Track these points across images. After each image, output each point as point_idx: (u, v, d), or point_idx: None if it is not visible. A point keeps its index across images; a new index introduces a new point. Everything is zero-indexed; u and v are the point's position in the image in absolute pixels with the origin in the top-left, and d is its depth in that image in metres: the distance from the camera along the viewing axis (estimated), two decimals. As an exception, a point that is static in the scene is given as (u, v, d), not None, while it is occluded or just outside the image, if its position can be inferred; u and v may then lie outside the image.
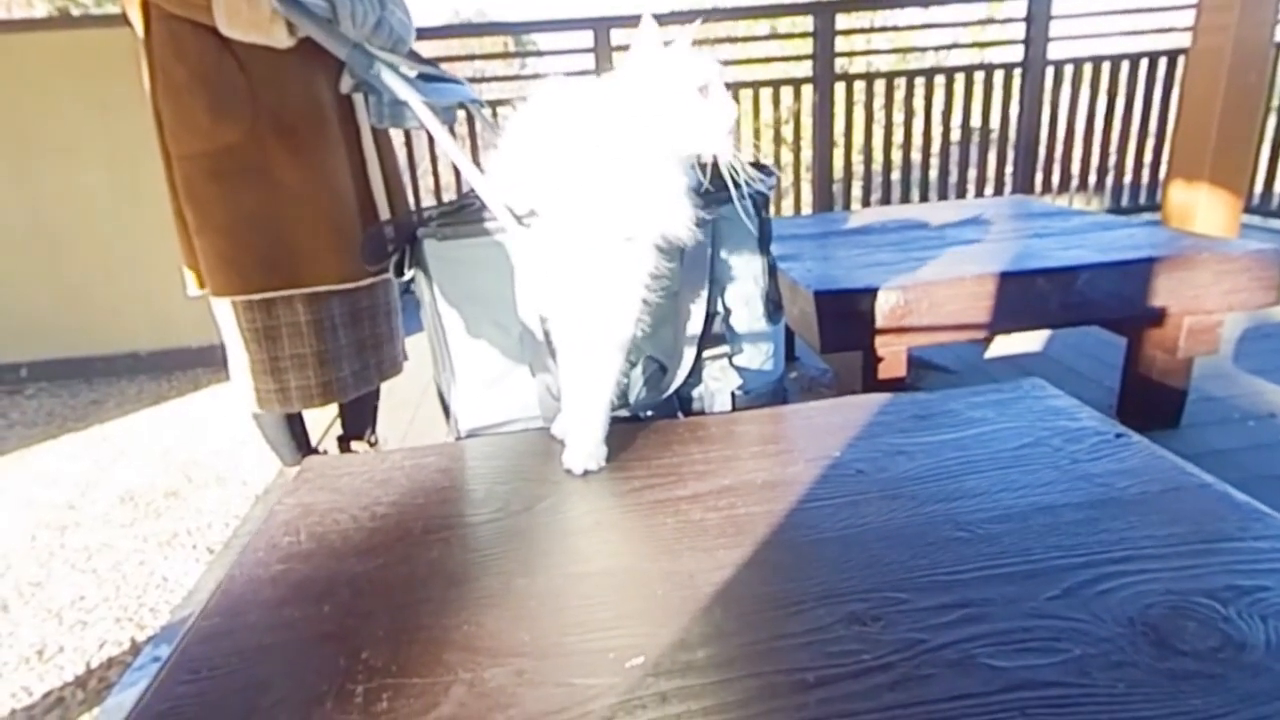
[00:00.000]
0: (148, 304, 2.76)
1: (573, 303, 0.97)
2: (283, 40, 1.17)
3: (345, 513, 0.89)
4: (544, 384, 1.10)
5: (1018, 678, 0.58)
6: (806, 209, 4.07)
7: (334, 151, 1.32)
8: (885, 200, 4.06)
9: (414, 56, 1.28)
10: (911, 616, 0.65)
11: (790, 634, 0.64)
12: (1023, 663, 0.59)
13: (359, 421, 1.67)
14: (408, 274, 1.09)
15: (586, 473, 0.94)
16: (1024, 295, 1.70)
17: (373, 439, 1.69)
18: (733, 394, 1.13)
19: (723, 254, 1.09)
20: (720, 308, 1.11)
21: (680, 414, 1.12)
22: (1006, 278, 1.68)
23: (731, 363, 1.12)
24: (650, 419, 1.11)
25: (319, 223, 1.31)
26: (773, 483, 0.88)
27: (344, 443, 1.68)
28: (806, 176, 4.04)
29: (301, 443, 1.59)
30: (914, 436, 0.98)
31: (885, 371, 1.69)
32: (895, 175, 4.03)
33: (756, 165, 1.29)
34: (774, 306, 1.17)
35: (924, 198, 4.09)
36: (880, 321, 1.65)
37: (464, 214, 1.05)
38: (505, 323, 1.09)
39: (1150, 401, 1.92)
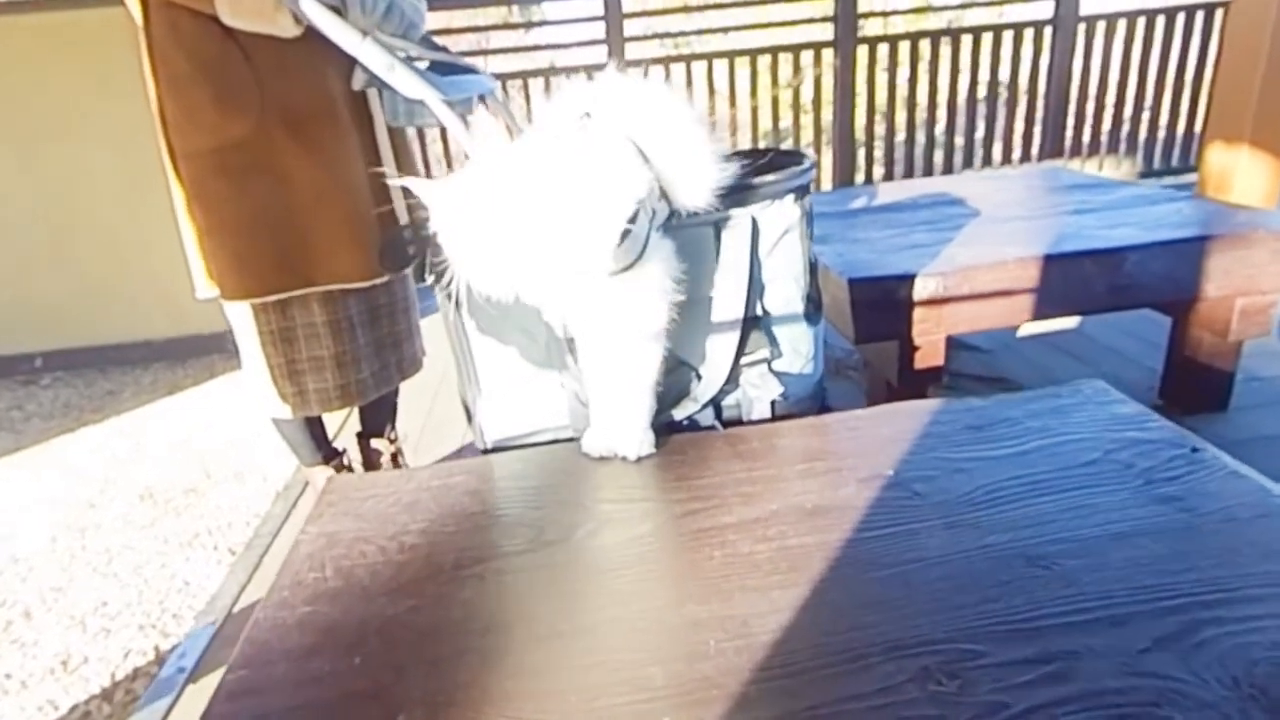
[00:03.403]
0: (160, 290, 2.72)
1: (590, 318, 0.92)
2: (289, 29, 1.10)
3: (372, 543, 0.84)
4: (573, 392, 1.04)
5: (1118, 754, 0.53)
6: (826, 177, 3.96)
7: (347, 145, 1.25)
8: (909, 169, 3.94)
9: (427, 43, 1.21)
10: (990, 674, 0.60)
11: (860, 694, 0.59)
12: (1122, 734, 0.54)
13: (378, 418, 1.62)
14: (429, 279, 1.03)
15: (641, 459, 0.94)
16: (1069, 279, 1.62)
17: (393, 435, 1.64)
18: (772, 402, 1.07)
19: (761, 253, 1.03)
20: (759, 311, 1.04)
21: (717, 423, 1.07)
22: (1051, 261, 1.60)
23: (771, 369, 1.06)
24: (686, 428, 1.06)
25: (333, 220, 1.25)
26: (824, 508, 0.82)
27: (363, 440, 1.64)
28: (827, 148, 3.92)
29: (320, 442, 1.55)
30: (970, 450, 0.92)
31: (922, 360, 1.63)
32: (920, 137, 3.90)
33: (789, 154, 1.22)
34: (814, 306, 1.11)
35: (949, 165, 3.97)
36: (918, 310, 1.57)
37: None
38: (531, 329, 1.03)
39: (1196, 384, 1.84)
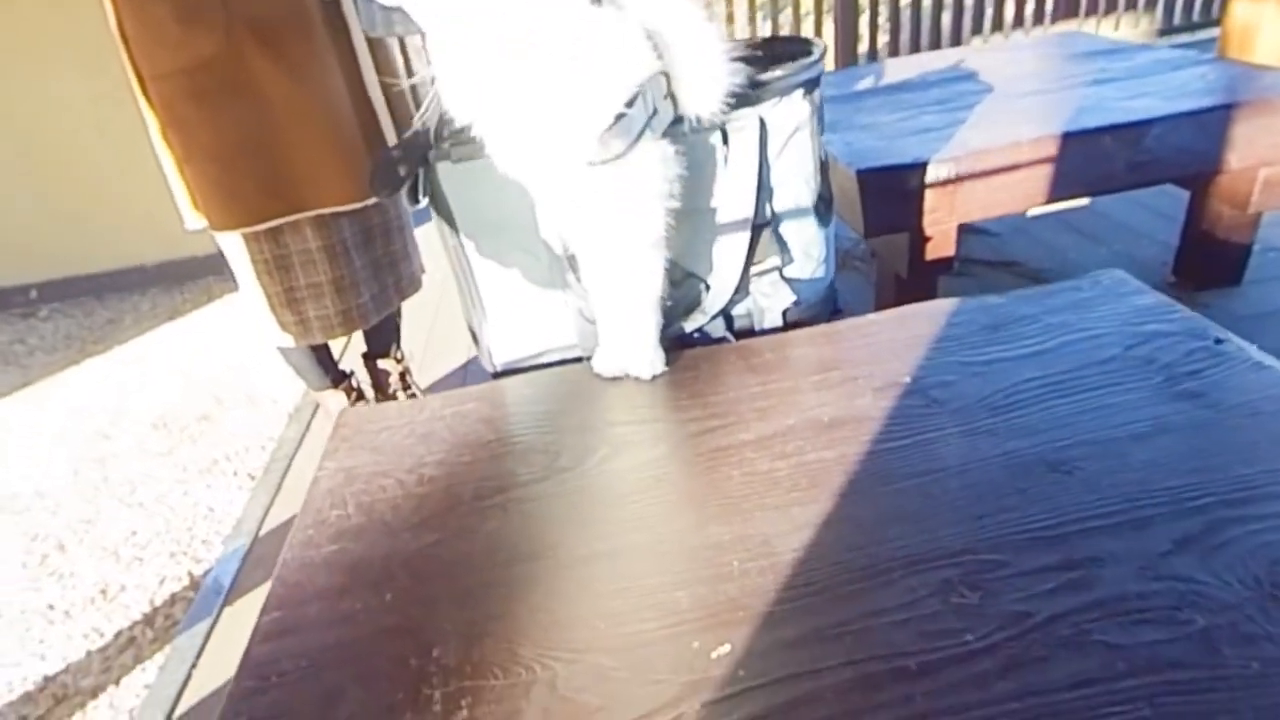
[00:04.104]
0: (147, 214, 2.64)
1: (584, 222, 0.88)
2: None
3: (390, 476, 0.84)
4: (577, 309, 1.02)
5: (1140, 658, 0.54)
6: (828, 50, 3.75)
7: (324, 60, 1.17)
8: (914, 35, 3.73)
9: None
10: (1012, 584, 0.61)
11: (883, 610, 0.60)
12: (1143, 638, 0.55)
13: (383, 339, 1.61)
14: (422, 201, 0.99)
15: (654, 377, 0.93)
16: (1087, 157, 1.55)
17: (399, 354, 1.63)
18: (784, 310, 1.05)
19: (770, 155, 0.97)
20: (768, 215, 1.00)
21: (729, 334, 1.05)
22: (1068, 138, 1.53)
23: (782, 275, 1.03)
24: (697, 341, 1.04)
25: (317, 140, 1.19)
26: (840, 419, 0.82)
27: (369, 361, 1.63)
28: (827, 16, 3.70)
29: (327, 366, 1.54)
30: (987, 351, 0.90)
31: (933, 251, 1.59)
32: (926, 2, 3.68)
33: (793, 41, 1.14)
34: (826, 206, 1.06)
35: (957, 29, 3.75)
36: (929, 199, 1.52)
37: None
38: (533, 248, 0.99)
39: (1212, 258, 1.81)
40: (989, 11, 3.77)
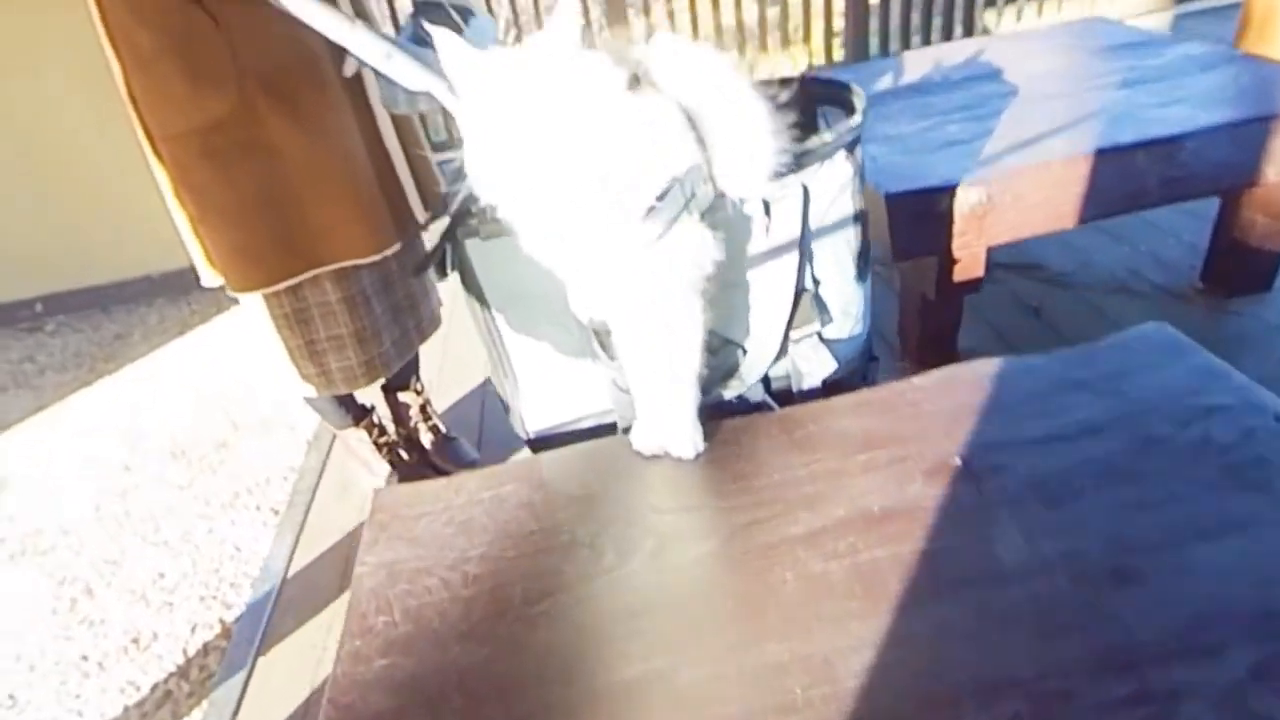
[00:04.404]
0: (150, 223, 2.55)
1: (618, 305, 0.85)
2: None
3: (434, 575, 0.83)
4: (610, 379, 0.99)
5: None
6: (838, 21, 3.65)
7: (339, 110, 1.12)
8: (927, 15, 3.62)
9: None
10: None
11: (955, 751, 0.59)
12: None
13: (402, 371, 1.58)
14: (450, 275, 0.96)
15: (697, 455, 0.90)
16: (1120, 174, 1.50)
17: (418, 386, 1.61)
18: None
19: (811, 220, 0.94)
20: (810, 281, 0.97)
21: (768, 397, 1.02)
22: (1101, 156, 1.48)
23: (821, 338, 1.00)
24: (735, 405, 1.02)
25: (334, 193, 1.15)
26: (892, 511, 0.80)
27: (389, 394, 1.61)
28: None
29: (349, 405, 1.52)
30: (1035, 426, 0.87)
31: (962, 273, 1.55)
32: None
33: (831, 83, 1.09)
34: (864, 261, 1.03)
35: (969, 19, 3.64)
36: (959, 222, 1.48)
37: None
38: (564, 320, 0.96)
39: (1242, 264, 1.77)
40: (1004, -16, 3.66)
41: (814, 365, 0.99)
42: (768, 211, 0.88)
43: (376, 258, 1.22)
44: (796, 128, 0.89)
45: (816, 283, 0.98)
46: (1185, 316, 1.78)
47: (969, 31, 3.73)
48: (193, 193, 1.12)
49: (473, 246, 0.93)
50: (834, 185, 0.94)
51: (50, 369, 2.39)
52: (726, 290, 0.88)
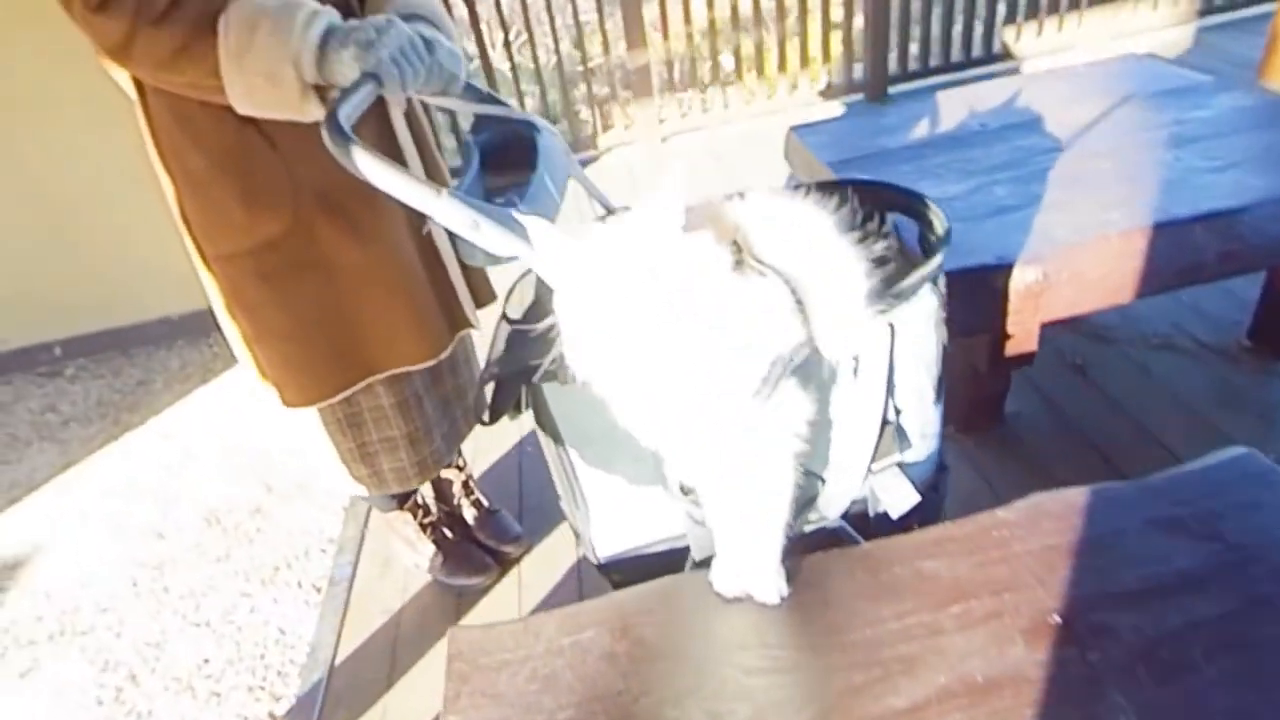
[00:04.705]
0: (169, 264, 2.51)
1: (711, 467, 0.83)
2: (318, 114, 0.91)
3: (522, 743, 0.81)
4: (686, 512, 0.97)
5: None
6: (856, 40, 3.59)
7: (392, 216, 1.09)
8: (946, 32, 3.57)
9: (472, 92, 1.01)
10: None
11: None
12: None
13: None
14: (524, 414, 0.93)
15: (782, 599, 0.88)
16: (1176, 249, 1.47)
17: (460, 461, 1.59)
18: (901, 500, 1.00)
19: (896, 356, 0.91)
20: (892, 413, 0.94)
21: (845, 524, 1.00)
22: (1158, 231, 1.45)
23: (902, 467, 0.98)
24: (812, 534, 0.99)
25: (389, 302, 1.12)
26: (995, 681, 0.78)
27: (432, 471, 1.59)
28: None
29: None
30: (1131, 574, 0.85)
31: (1014, 348, 1.53)
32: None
33: (902, 191, 1.06)
34: (942, 384, 1.01)
35: (989, 34, 3.59)
36: (1014, 300, 1.45)
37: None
38: (642, 456, 0.93)
39: (1291, 326, 1.75)
40: (1023, 1, 3.60)
41: (895, 497, 0.97)
42: (856, 368, 0.85)
43: (432, 363, 1.19)
44: (869, 235, 0.87)
45: (898, 412, 0.95)
46: (1232, 377, 1.76)
47: (988, 48, 3.68)
48: (246, 312, 1.09)
49: (552, 390, 0.90)
50: (920, 320, 0.91)
51: (74, 420, 2.36)
52: (812, 428, 0.86)
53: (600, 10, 3.51)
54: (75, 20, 0.86)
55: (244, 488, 1.95)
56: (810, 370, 0.78)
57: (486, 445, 1.88)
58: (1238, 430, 1.63)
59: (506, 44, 3.45)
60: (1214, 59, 3.40)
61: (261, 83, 0.86)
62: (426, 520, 1.53)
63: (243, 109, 0.91)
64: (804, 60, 3.66)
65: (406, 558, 1.58)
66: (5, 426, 2.39)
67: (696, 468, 0.83)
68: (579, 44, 3.66)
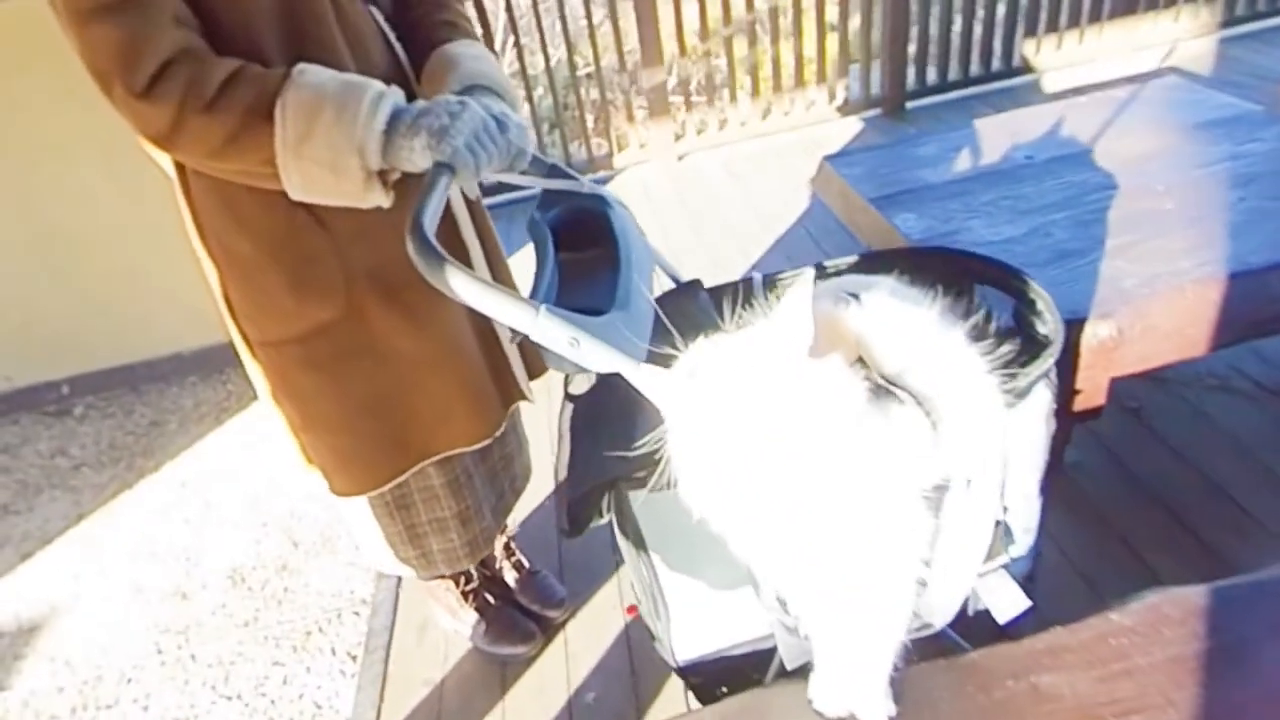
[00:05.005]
0: (178, 299, 2.48)
1: (827, 594, 0.76)
2: (381, 201, 0.84)
3: None
4: (780, 621, 0.90)
5: None
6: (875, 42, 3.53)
7: (450, 301, 1.02)
8: (965, 58, 3.51)
9: (538, 165, 0.95)
10: None
11: None
12: None
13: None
14: (606, 518, 0.87)
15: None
16: (1251, 300, 1.41)
17: (502, 525, 1.52)
18: (1004, 599, 0.94)
19: (1009, 452, 0.85)
20: (1001, 512, 0.88)
21: (950, 632, 0.94)
22: (1234, 281, 1.39)
23: (1008, 569, 0.92)
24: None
25: (444, 386, 1.05)
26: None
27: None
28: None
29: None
30: (1267, 687, 0.79)
31: (1083, 403, 1.46)
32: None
33: (1002, 268, 1.00)
34: (1046, 476, 0.94)
35: (1008, 47, 3.53)
36: (1086, 355, 1.39)
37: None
38: (728, 559, 0.87)
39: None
40: (1043, 14, 3.55)
41: (1004, 602, 0.90)
42: (969, 480, 0.79)
43: (487, 442, 1.12)
44: (991, 336, 0.81)
45: (1005, 510, 0.89)
46: (1293, 421, 1.71)
47: (1008, 61, 3.62)
48: (294, 400, 1.02)
49: (637, 497, 0.83)
50: (1034, 419, 0.84)
51: (86, 465, 2.28)
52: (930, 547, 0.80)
53: (615, 26, 3.43)
54: (115, 105, 0.79)
55: (268, 542, 1.88)
56: (940, 497, 0.71)
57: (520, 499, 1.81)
58: (1306, 480, 1.58)
59: (517, 46, 3.37)
60: (1238, 72, 3.35)
61: (322, 173, 0.79)
62: (469, 588, 1.46)
63: (297, 196, 0.84)
64: (821, 74, 3.59)
65: (446, 624, 1.51)
66: (13, 472, 2.31)
67: (807, 591, 0.76)
68: (593, 57, 3.58)
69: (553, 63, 3.52)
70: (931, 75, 3.61)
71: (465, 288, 0.69)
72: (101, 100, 0.85)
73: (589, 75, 3.64)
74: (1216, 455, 1.65)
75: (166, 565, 1.87)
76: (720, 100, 3.57)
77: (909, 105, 3.59)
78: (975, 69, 3.62)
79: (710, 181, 3.26)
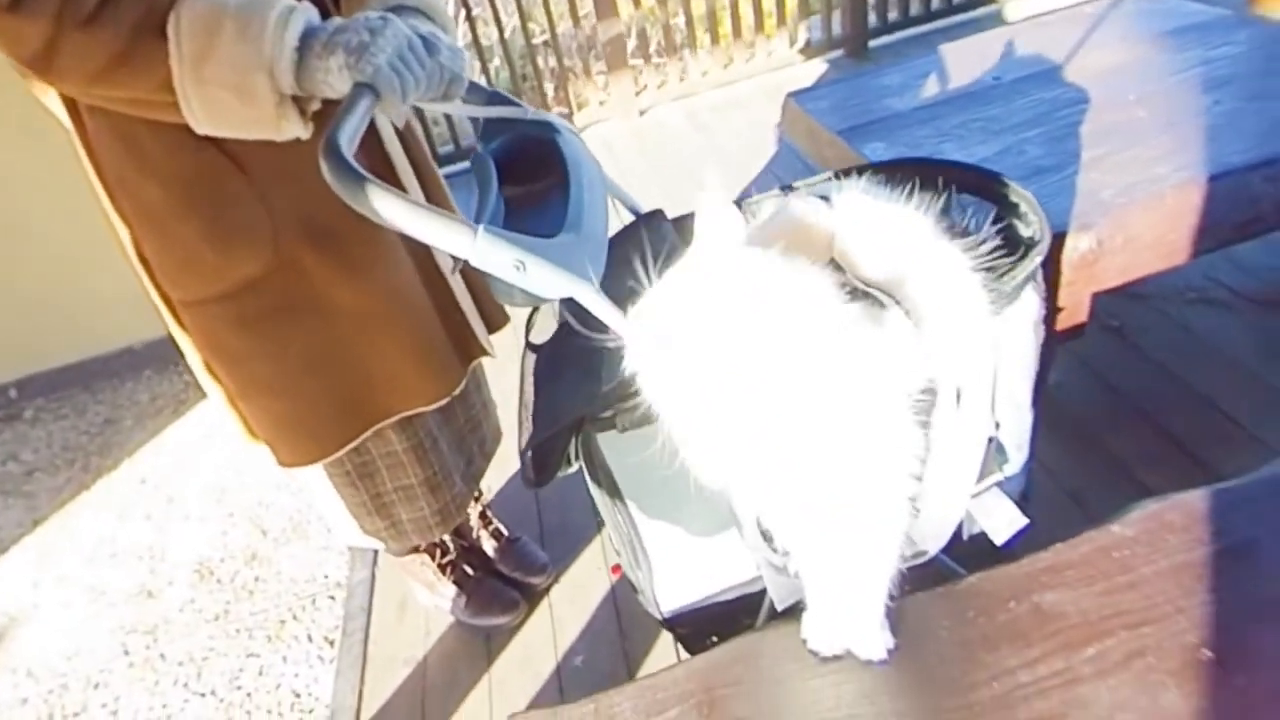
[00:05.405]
0: (125, 289, 2.31)
1: (812, 522, 0.71)
2: (298, 131, 0.76)
3: None
4: (767, 560, 0.85)
5: None
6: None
7: (391, 245, 0.94)
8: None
9: (477, 92, 0.86)
10: None
11: None
12: None
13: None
14: (574, 466, 0.80)
15: (889, 654, 0.77)
16: (1234, 202, 1.37)
17: (477, 492, 1.45)
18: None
19: (999, 366, 0.79)
20: (993, 428, 0.83)
21: (945, 558, 0.89)
22: (1215, 183, 1.34)
23: (1001, 487, 0.87)
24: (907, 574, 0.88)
25: (394, 341, 0.98)
26: (1159, 741, 0.67)
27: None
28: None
29: (405, 529, 1.36)
30: (1266, 591, 0.75)
31: (1066, 320, 1.42)
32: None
33: (981, 174, 0.94)
34: (1038, 388, 0.89)
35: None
36: (1068, 271, 1.34)
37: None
38: (712, 502, 0.81)
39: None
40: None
41: (1000, 522, 0.85)
42: (960, 388, 0.73)
43: (444, 402, 1.05)
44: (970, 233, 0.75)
45: (997, 426, 0.84)
46: (1275, 327, 1.68)
47: (969, -7, 3.54)
48: (226, 365, 0.94)
49: (606, 440, 0.77)
50: (1020, 324, 0.79)
51: (39, 470, 2.18)
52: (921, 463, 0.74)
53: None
54: None
55: (236, 533, 1.80)
56: (924, 408, 0.66)
57: (494, 465, 1.74)
58: (1289, 384, 1.55)
59: (469, 19, 3.23)
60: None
61: (227, 97, 0.70)
62: (445, 560, 1.40)
63: (203, 129, 0.75)
64: (781, 18, 3.49)
65: (425, 599, 1.45)
66: (-37, 483, 2.21)
67: (790, 518, 0.70)
68: (549, 18, 3.45)
69: (507, 33, 3.38)
70: (893, 13, 3.52)
71: (391, 209, 0.61)
72: (19, 84, 0.75)
73: (546, 43, 3.50)
74: (1199, 367, 1.62)
75: (129, 565, 1.79)
76: (681, 58, 3.46)
77: (871, 44, 3.51)
78: (937, 3, 3.54)
79: (674, 134, 3.17)
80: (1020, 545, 0.88)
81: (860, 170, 1.07)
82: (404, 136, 0.98)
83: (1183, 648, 0.73)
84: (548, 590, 1.47)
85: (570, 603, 1.44)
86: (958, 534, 0.91)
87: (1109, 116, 1.59)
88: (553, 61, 3.49)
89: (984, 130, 1.66)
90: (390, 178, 0.96)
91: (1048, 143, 1.56)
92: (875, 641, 0.77)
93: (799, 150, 2.20)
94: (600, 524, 1.57)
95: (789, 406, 0.56)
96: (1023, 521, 0.85)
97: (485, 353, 1.12)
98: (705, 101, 3.37)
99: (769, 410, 0.56)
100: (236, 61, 0.69)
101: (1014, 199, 0.87)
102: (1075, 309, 1.41)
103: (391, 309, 0.96)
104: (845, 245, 0.61)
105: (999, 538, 0.86)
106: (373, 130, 0.93)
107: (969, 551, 0.92)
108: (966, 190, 0.95)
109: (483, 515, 1.47)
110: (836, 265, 0.61)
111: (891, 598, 0.79)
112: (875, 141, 1.72)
